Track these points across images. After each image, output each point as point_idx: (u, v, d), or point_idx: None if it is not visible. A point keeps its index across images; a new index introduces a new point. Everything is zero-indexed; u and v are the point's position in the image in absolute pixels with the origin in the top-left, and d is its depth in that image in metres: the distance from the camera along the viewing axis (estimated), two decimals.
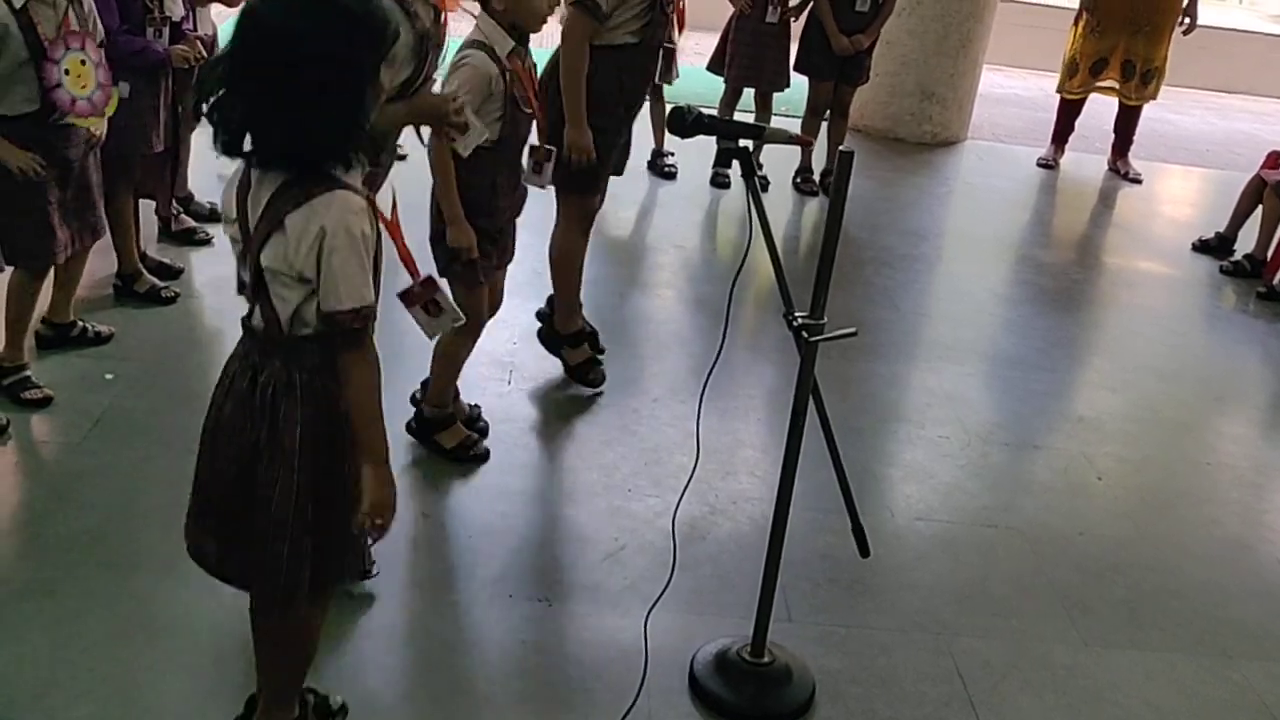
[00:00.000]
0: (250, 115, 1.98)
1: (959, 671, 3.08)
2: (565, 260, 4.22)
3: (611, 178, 4.28)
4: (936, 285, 5.98)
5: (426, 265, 3.01)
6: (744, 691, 2.89)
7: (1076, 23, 7.69)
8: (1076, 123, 7.94)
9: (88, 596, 2.97)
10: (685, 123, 2.61)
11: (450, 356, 3.64)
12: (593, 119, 3.84)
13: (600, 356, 4.40)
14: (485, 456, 3.73)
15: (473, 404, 3.93)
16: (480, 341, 4.31)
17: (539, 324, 4.40)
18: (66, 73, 3.52)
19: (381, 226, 2.17)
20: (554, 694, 2.85)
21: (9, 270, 3.69)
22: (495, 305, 3.76)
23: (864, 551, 2.87)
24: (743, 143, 2.68)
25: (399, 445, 3.63)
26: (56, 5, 3.50)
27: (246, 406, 2.12)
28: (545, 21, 3.41)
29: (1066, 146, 8.02)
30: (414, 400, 3.75)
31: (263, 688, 2.49)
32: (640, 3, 3.81)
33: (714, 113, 6.76)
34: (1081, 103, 7.83)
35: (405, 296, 2.80)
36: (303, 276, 2.01)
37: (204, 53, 4.47)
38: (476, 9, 3.37)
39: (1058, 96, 7.92)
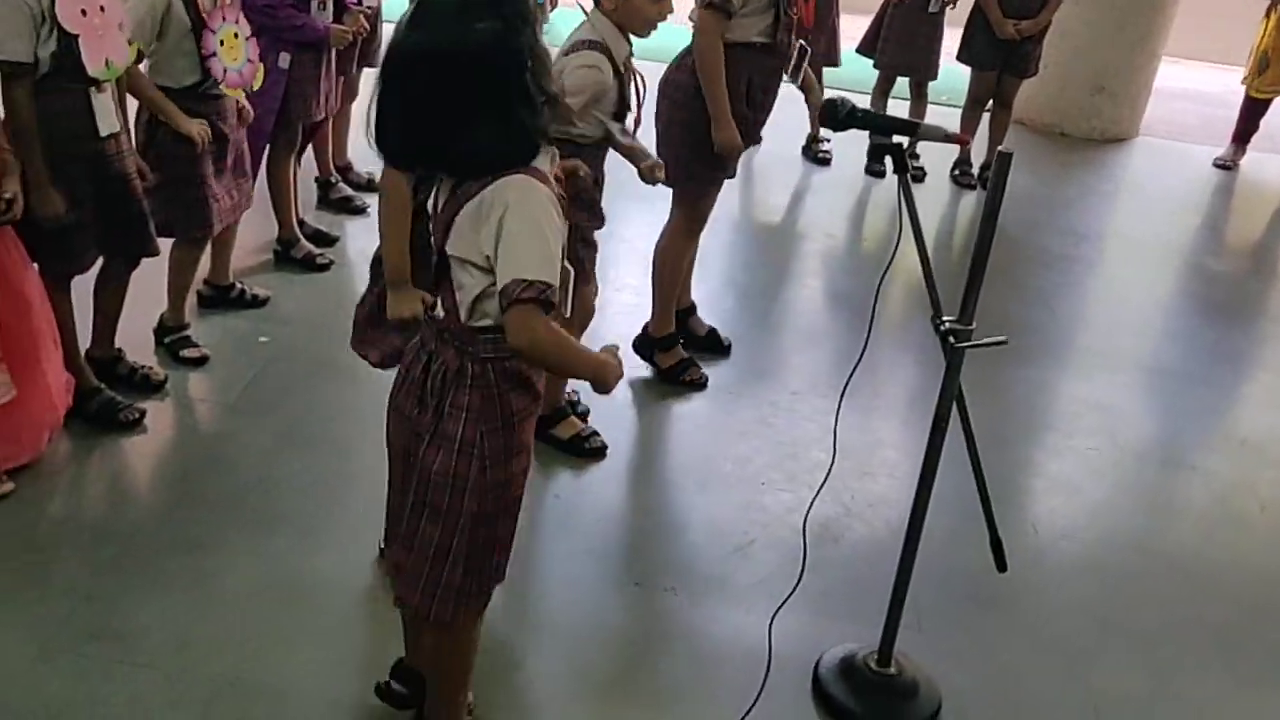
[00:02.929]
0: (440, 136, 1.94)
1: (1094, 703, 2.95)
2: (671, 262, 4.12)
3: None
4: (1095, 289, 5.74)
5: None
6: (868, 700, 2.82)
7: (1268, 14, 7.26)
8: (1262, 122, 7.53)
9: (229, 555, 3.06)
10: (839, 116, 2.53)
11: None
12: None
13: (726, 347, 4.38)
14: (602, 451, 3.67)
15: (571, 389, 3.86)
16: (616, 324, 4.32)
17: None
18: (221, 43, 3.66)
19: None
20: (675, 688, 2.84)
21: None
22: (589, 316, 3.65)
23: (1001, 566, 2.77)
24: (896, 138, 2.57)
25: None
26: None
27: (418, 392, 2.11)
28: (654, 28, 3.33)
29: (1248, 147, 7.61)
30: None
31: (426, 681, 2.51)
32: (765, 2, 3.71)
33: (867, 105, 6.67)
34: (1269, 102, 7.40)
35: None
36: (487, 259, 1.96)
37: (366, 26, 4.55)
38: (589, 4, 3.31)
39: (1241, 93, 7.51)
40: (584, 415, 3.85)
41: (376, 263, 2.90)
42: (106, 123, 3.21)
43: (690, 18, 3.84)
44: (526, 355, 2.01)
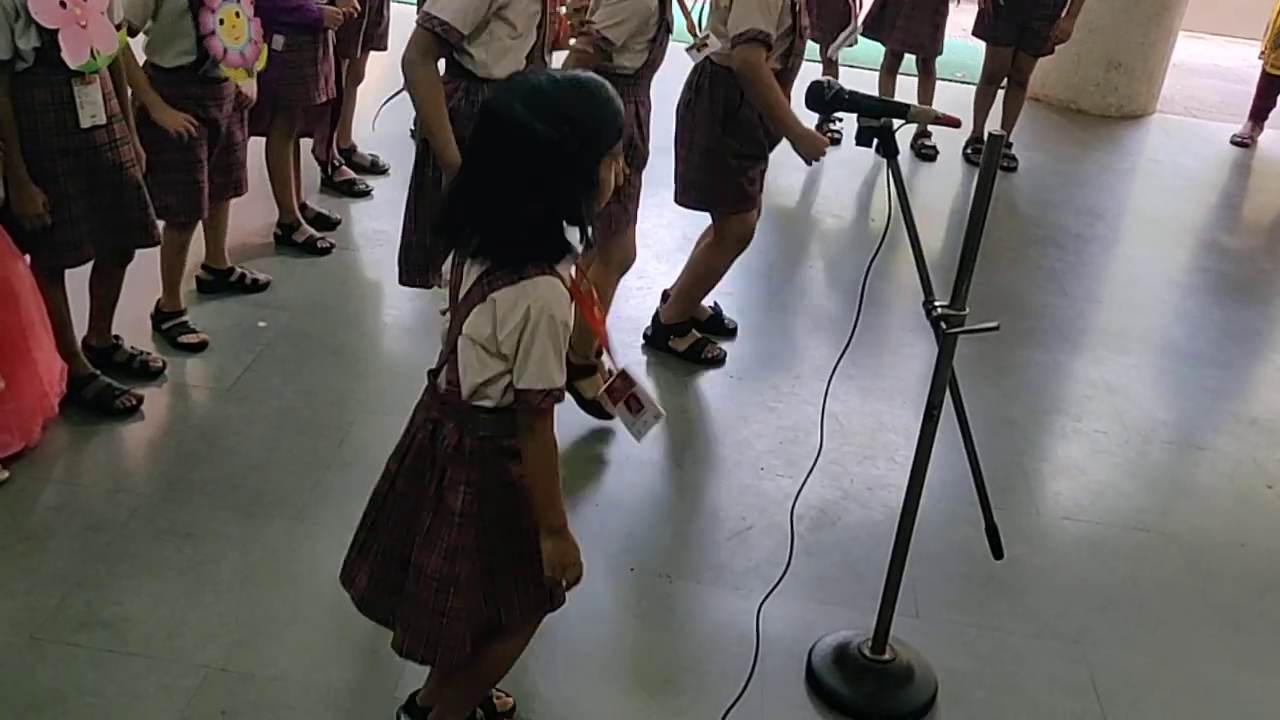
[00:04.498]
0: (479, 209, 2.01)
1: (1095, 685, 2.92)
2: (708, 275, 4.18)
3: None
4: (1109, 269, 5.67)
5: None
6: (861, 688, 2.79)
7: None
8: (1279, 98, 7.42)
9: (223, 542, 3.06)
10: (824, 99, 2.49)
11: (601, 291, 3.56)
12: (742, 144, 3.85)
13: (731, 329, 4.41)
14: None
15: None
16: (620, 306, 4.29)
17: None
18: (221, 22, 3.63)
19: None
20: (667, 673, 2.81)
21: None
22: (629, 260, 3.79)
23: (997, 553, 2.74)
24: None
25: None
26: None
27: (427, 457, 2.17)
28: None
29: (1266, 124, 7.49)
30: None
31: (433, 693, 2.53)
32: (784, 34, 3.72)
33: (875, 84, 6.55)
34: None
35: (609, 393, 2.94)
36: (501, 353, 2.03)
37: (357, 7, 4.53)
38: None
39: (1258, 67, 7.40)
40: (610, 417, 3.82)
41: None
42: (90, 114, 3.17)
43: (687, 51, 3.85)
44: (530, 456, 2.12)
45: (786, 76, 3.86)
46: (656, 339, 4.24)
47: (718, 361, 4.18)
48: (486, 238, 2.02)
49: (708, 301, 4.41)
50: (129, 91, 3.45)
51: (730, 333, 4.40)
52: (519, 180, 1.96)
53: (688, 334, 4.22)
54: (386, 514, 2.25)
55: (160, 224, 3.61)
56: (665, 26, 3.45)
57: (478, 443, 2.12)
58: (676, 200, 4.05)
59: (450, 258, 2.13)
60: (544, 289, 2.00)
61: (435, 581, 2.17)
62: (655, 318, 4.26)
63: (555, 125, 1.93)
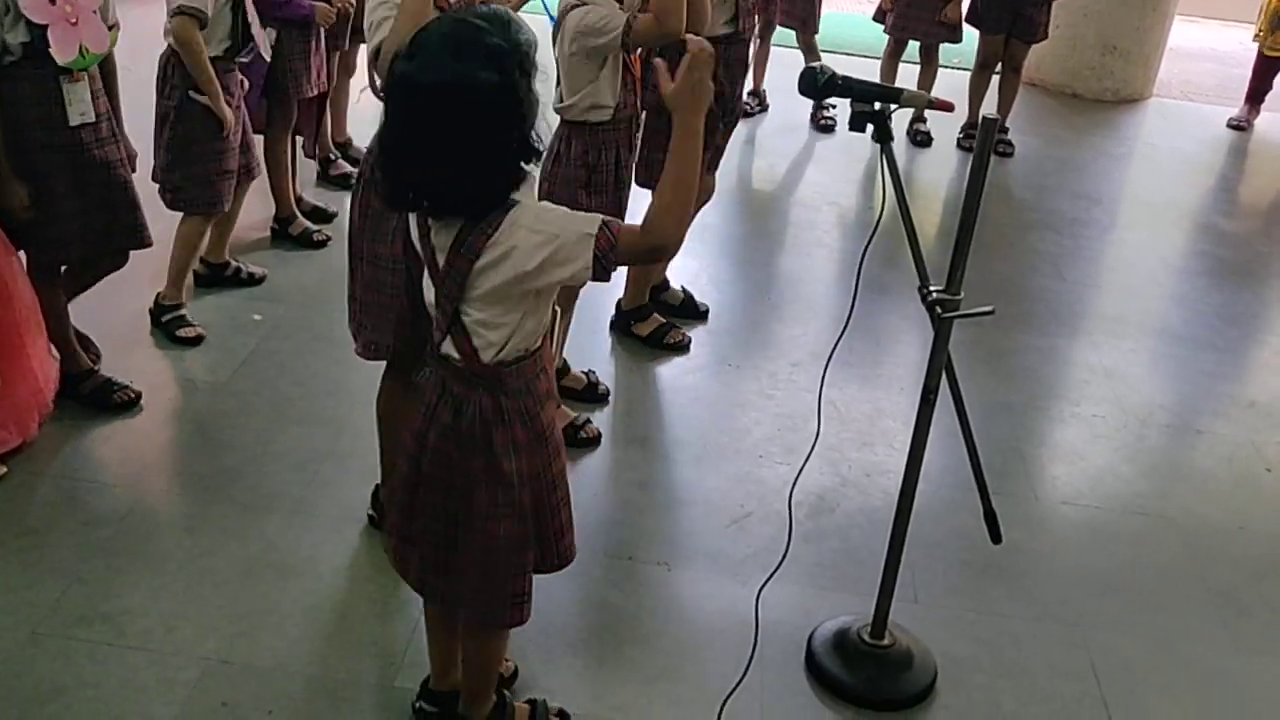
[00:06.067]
0: (423, 175, 1.95)
1: (1094, 668, 2.92)
2: None
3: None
4: (1106, 253, 5.66)
5: None
6: (861, 673, 2.79)
7: None
8: (1275, 80, 7.40)
9: (222, 534, 3.06)
10: (817, 84, 2.48)
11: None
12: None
13: (704, 311, 4.40)
14: (596, 441, 3.62)
15: (588, 370, 3.87)
16: (597, 297, 4.29)
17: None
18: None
19: None
20: (666, 661, 2.82)
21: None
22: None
23: (995, 538, 2.74)
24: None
25: None
26: None
27: (454, 436, 2.13)
28: None
29: (1262, 107, 7.49)
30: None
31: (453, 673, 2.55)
32: None
33: (878, 70, 6.54)
34: None
35: None
36: (526, 289, 1.99)
37: (352, 3, 4.52)
38: None
39: (1255, 51, 7.39)
40: (604, 395, 3.83)
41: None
42: (80, 112, 3.16)
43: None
44: (676, 242, 2.04)
45: (737, 39, 3.85)
46: (619, 324, 4.25)
47: (682, 347, 4.18)
48: (451, 198, 1.96)
49: (676, 286, 4.41)
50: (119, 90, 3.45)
51: (703, 315, 4.41)
52: (474, 133, 1.89)
53: (649, 318, 4.21)
54: (421, 499, 2.23)
55: (162, 220, 3.61)
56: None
57: (515, 401, 2.10)
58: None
59: (414, 233, 2.07)
60: (524, 214, 1.95)
61: (504, 542, 2.16)
62: (618, 305, 4.27)
63: (493, 66, 1.87)
